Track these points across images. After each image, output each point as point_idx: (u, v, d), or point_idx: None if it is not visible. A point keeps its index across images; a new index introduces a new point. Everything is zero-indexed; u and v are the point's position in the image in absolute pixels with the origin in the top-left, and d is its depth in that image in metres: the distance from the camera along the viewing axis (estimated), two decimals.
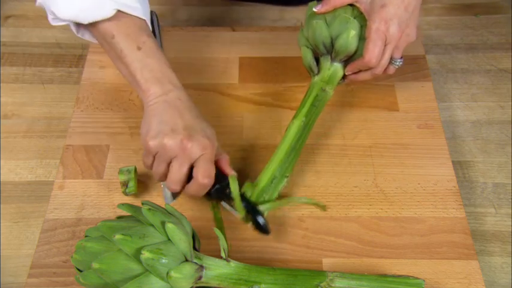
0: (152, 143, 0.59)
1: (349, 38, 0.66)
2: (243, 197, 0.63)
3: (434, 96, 0.79)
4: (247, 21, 1.00)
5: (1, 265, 0.67)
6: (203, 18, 1.01)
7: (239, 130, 0.76)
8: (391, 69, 0.70)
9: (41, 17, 1.00)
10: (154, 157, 0.61)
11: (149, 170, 0.63)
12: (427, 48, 0.93)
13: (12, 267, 0.67)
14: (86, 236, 0.55)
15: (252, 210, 0.62)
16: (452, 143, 0.79)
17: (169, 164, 0.60)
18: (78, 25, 0.69)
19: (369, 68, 0.68)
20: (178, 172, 0.60)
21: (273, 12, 1.01)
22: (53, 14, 0.66)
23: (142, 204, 0.55)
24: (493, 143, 0.79)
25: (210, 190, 0.62)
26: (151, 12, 0.86)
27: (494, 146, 0.79)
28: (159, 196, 0.69)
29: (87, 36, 0.70)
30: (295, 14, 1.00)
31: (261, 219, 0.61)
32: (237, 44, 0.87)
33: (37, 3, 0.67)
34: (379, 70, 0.68)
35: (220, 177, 0.63)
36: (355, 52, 0.68)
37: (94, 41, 0.70)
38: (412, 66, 0.83)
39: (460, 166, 0.77)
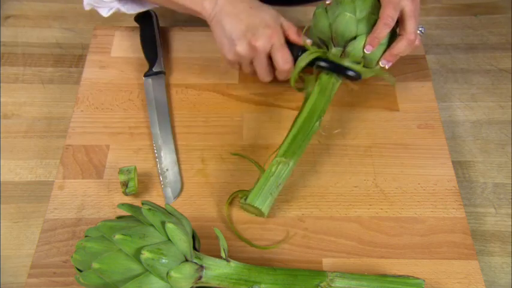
0: (230, 57, 0.68)
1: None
2: (326, 59, 0.69)
3: (434, 96, 0.79)
4: None
5: (1, 265, 0.67)
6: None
7: (239, 130, 0.76)
8: (418, 39, 0.70)
9: (41, 17, 1.00)
10: (239, 64, 0.70)
11: (150, 169, 0.63)
12: (427, 48, 0.93)
13: (12, 267, 0.67)
14: (86, 236, 0.55)
15: (338, 67, 0.68)
16: (452, 143, 0.79)
17: (252, 63, 0.69)
18: (125, 2, 0.77)
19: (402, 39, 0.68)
20: (261, 69, 0.69)
21: None
22: (101, 1, 0.74)
23: (142, 204, 0.55)
24: (493, 143, 0.79)
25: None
26: (151, 13, 0.86)
27: (494, 146, 0.79)
28: (159, 196, 0.69)
29: (135, 7, 0.79)
30: (295, 14, 1.00)
31: (350, 72, 0.68)
32: None
33: (86, 8, 0.77)
34: (413, 36, 0.67)
35: (297, 48, 0.70)
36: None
37: (147, 7, 0.78)
38: (412, 66, 0.83)
39: (460, 166, 0.77)
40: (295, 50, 0.70)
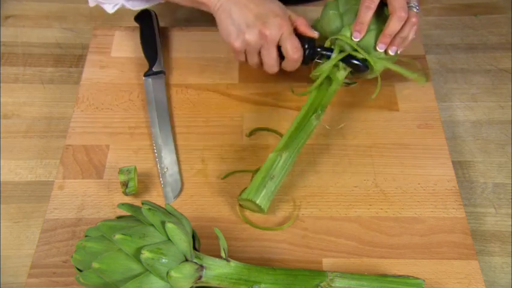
0: (237, 44, 0.68)
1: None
2: (330, 49, 0.71)
3: (434, 96, 0.79)
4: None
5: (1, 265, 0.67)
6: (203, 18, 1.01)
7: (239, 130, 0.76)
8: (414, 16, 0.69)
9: (41, 17, 1.00)
10: (245, 53, 0.70)
11: (151, 167, 0.63)
12: (427, 48, 0.93)
13: (12, 267, 0.67)
14: (86, 236, 0.55)
15: (346, 57, 0.70)
16: (452, 143, 0.79)
17: (259, 53, 0.69)
18: None
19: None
20: (269, 58, 0.69)
21: None
22: None
23: (142, 204, 0.55)
24: (493, 143, 0.79)
25: (303, 58, 0.70)
26: (151, 12, 0.86)
27: (494, 146, 0.79)
28: (159, 196, 0.69)
29: (140, 4, 0.79)
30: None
31: (356, 60, 0.70)
32: None
33: (91, 4, 0.77)
34: (402, 13, 0.67)
35: (306, 40, 0.70)
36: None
37: (151, 3, 0.79)
38: (412, 66, 0.83)
39: (460, 166, 0.77)
40: (304, 41, 0.70)
